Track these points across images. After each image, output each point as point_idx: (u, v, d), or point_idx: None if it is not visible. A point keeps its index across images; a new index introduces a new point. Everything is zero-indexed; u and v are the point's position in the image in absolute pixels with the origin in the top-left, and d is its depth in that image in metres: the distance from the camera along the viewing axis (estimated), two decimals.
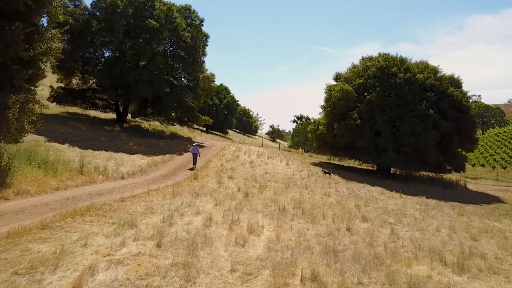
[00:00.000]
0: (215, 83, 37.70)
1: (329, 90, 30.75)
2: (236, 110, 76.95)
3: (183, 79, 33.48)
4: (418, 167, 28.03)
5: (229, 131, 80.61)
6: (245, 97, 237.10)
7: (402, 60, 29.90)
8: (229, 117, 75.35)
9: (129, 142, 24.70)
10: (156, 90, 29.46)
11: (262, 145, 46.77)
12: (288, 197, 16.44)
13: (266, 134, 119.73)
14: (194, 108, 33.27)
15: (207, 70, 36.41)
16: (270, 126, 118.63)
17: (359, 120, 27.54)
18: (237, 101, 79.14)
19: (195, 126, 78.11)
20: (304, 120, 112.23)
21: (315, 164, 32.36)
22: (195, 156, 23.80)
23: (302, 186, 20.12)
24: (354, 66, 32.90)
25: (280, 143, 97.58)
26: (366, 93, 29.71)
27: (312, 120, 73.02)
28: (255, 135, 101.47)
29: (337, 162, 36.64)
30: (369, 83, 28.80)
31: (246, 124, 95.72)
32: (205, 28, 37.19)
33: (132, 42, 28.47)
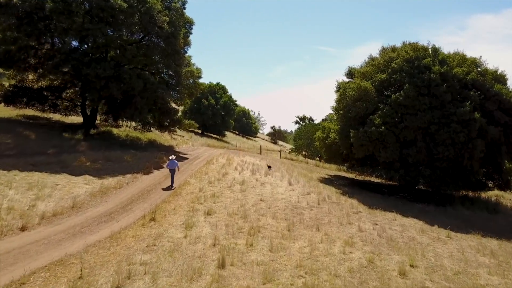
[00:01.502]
0: (203, 81, 31.87)
1: (342, 88, 24.55)
2: (234, 110, 70.93)
3: (163, 75, 27.42)
4: (457, 185, 21.82)
5: (227, 133, 74.60)
6: (246, 97, 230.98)
7: (436, 50, 23.64)
8: (226, 118, 69.34)
9: (82, 157, 18.63)
10: (125, 88, 23.41)
11: (260, 152, 40.64)
12: (293, 257, 10.31)
13: (268, 135, 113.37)
14: (176, 109, 27.23)
15: (193, 64, 30.36)
16: (271, 128, 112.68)
17: (382, 127, 21.35)
18: (235, 101, 73.07)
19: (190, 128, 72.12)
20: (307, 121, 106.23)
21: (324, 179, 26.17)
22: (172, 173, 17.92)
23: (312, 225, 13.99)
24: (372, 58, 26.67)
25: (281, 147, 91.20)
26: (390, 92, 23.51)
27: (319, 124, 66.95)
28: (255, 137, 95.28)
29: (350, 175, 30.40)
30: (395, 78, 22.59)
31: (245, 125, 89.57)
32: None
33: (93, 27, 22.37)
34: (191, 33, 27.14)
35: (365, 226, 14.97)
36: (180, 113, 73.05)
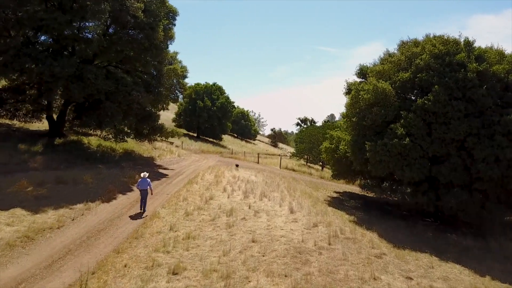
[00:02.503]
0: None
1: (355, 90, 20.24)
2: (231, 112, 66.64)
3: (145, 75, 23.15)
4: (501, 210, 17.50)
5: (224, 136, 70.32)
6: (246, 97, 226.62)
7: (469, 44, 19.34)
8: (223, 121, 65.13)
9: (23, 180, 14.36)
10: (90, 89, 19.17)
11: (258, 161, 36.37)
12: None
13: (268, 137, 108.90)
14: (157, 114, 23.00)
15: (180, 62, 26.13)
16: (272, 130, 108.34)
17: (407, 138, 17.06)
18: (233, 102, 68.76)
19: (184, 131, 67.67)
20: (308, 123, 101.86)
21: (332, 199, 21.87)
22: (143, 194, 13.88)
23: (324, 284, 9.77)
24: (390, 54, 22.37)
25: (282, 150, 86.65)
26: (415, 95, 19.27)
27: (321, 127, 62.67)
28: (255, 140, 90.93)
29: (362, 192, 26.08)
30: (420, 78, 18.29)
31: (244, 127, 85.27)
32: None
33: (48, 16, 18.14)
34: (175, 25, 22.96)
35: (396, 283, 10.71)
36: (173, 115, 68.84)
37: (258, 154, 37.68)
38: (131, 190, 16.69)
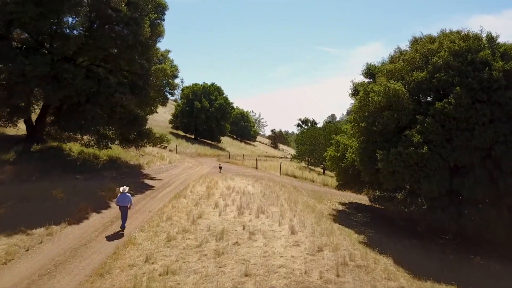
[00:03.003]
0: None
1: (363, 92, 18.07)
2: (230, 113, 64.48)
3: (132, 74, 21.03)
4: None
5: (223, 138, 68.12)
6: (247, 98, 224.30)
7: (492, 40, 17.18)
8: (222, 122, 63.03)
9: None
10: (67, 90, 17.06)
11: (256, 166, 34.22)
12: None
13: (268, 138, 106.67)
14: (145, 118, 20.90)
15: (171, 61, 24.02)
16: (272, 131, 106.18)
17: (424, 146, 14.91)
18: (232, 103, 66.62)
19: (182, 133, 65.48)
20: (309, 124, 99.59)
21: (338, 213, 19.67)
22: (124, 211, 11.88)
23: None
24: (401, 52, 20.17)
25: (282, 152, 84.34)
26: (432, 97, 17.08)
27: (323, 129, 60.52)
28: (254, 141, 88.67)
29: (369, 203, 23.87)
30: (438, 78, 16.11)
31: (243, 129, 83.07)
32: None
33: (18, 8, 16.03)
34: (164, 20, 20.82)
35: None
36: (171, 117, 66.63)
37: (256, 159, 35.48)
38: (108, 206, 14.56)
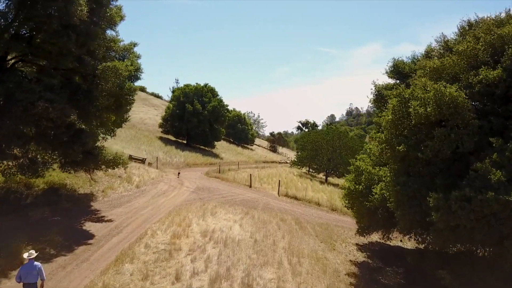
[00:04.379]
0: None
1: (400, 99, 12.30)
2: (224, 117, 58.68)
3: (72, 74, 15.35)
4: None
5: (219, 143, 62.19)
6: (247, 98, 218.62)
7: None
8: (216, 126, 57.30)
9: None
10: None
11: (250, 184, 28.43)
12: None
13: (267, 140, 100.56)
14: (90, 135, 15.11)
15: (138, 57, 18.27)
16: (270, 134, 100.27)
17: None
18: (227, 105, 60.96)
19: (172, 138, 59.49)
20: (310, 127, 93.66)
21: (360, 274, 13.81)
22: None
23: None
24: (446, 41, 14.40)
25: (281, 156, 78.03)
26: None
27: (325, 133, 54.82)
28: (252, 145, 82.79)
29: (394, 240, 18.04)
30: None
31: (241, 132, 77.20)
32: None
33: None
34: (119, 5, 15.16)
35: None
36: (161, 120, 60.84)
37: (250, 175, 29.70)
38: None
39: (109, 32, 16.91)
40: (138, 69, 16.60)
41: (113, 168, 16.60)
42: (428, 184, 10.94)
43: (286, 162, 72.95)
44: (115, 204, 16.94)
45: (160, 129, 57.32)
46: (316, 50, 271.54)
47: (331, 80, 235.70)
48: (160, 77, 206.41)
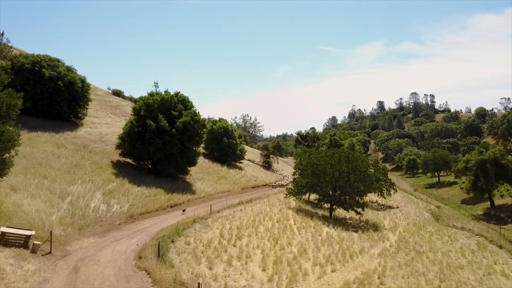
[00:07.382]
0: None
1: None
2: (200, 135, 46.22)
3: None
4: None
5: (194, 167, 49.07)
6: (247, 98, 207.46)
7: None
8: (189, 146, 45.05)
9: None
10: None
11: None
12: None
13: (261, 151, 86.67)
14: None
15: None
16: (264, 147, 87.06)
17: None
18: (204, 120, 48.39)
19: (133, 162, 46.56)
20: (309, 140, 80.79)
21: None
22: None
23: None
24: None
25: (276, 179, 64.15)
26: None
27: (329, 146, 42.65)
28: (241, 162, 69.82)
29: None
30: None
31: (227, 147, 64.43)
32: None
33: None
34: None
35: None
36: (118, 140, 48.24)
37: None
38: None
39: None
40: None
41: None
42: None
43: (282, 185, 60.55)
44: None
45: (118, 151, 44.21)
46: (318, 49, 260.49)
47: (332, 79, 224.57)
48: (150, 78, 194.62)
